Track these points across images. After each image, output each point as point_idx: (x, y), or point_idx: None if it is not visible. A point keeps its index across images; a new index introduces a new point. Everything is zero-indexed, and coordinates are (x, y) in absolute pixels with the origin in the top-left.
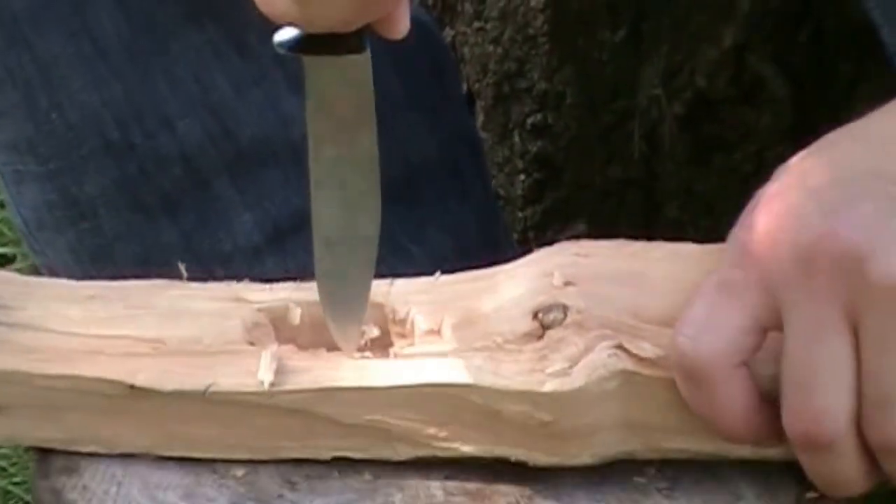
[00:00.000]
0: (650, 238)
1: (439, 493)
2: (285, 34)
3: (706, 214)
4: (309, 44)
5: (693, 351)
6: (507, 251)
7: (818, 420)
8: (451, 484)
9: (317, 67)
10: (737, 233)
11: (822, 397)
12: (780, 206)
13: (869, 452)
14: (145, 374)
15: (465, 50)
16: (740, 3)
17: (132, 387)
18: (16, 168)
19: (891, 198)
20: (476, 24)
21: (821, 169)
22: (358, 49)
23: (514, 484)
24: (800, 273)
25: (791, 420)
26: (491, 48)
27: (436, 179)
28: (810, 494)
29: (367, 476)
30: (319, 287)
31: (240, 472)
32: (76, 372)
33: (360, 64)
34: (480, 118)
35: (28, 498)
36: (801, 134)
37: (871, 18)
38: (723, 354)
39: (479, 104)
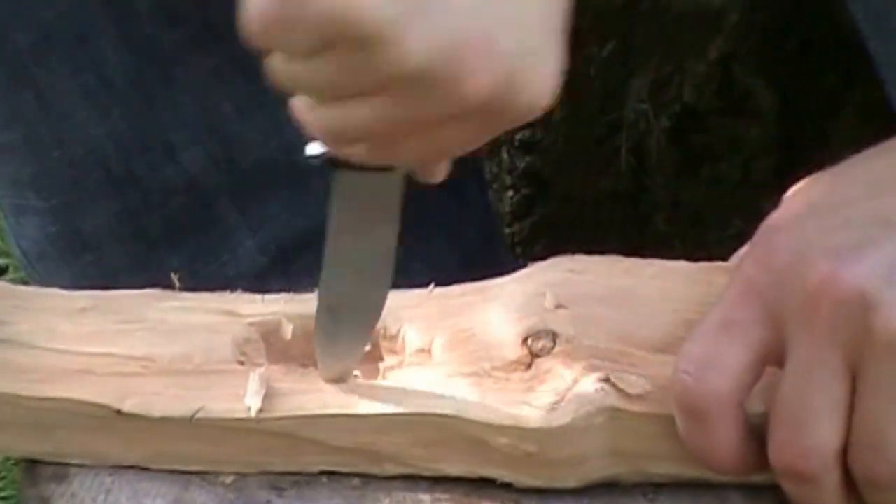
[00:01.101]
0: (640, 250)
1: (426, 498)
2: (318, 149)
3: (694, 225)
4: (342, 161)
5: (696, 388)
6: (508, 262)
7: (806, 456)
8: (438, 490)
9: (346, 177)
10: (742, 265)
11: (813, 435)
12: (786, 243)
13: (850, 485)
14: (133, 400)
15: None
16: (727, 17)
17: (119, 412)
18: (16, 202)
19: (891, 248)
20: None
21: (827, 207)
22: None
23: (501, 490)
24: (804, 314)
25: (778, 453)
26: None
27: (434, 195)
28: None
29: (355, 482)
30: (316, 335)
31: (228, 479)
32: (66, 395)
33: (392, 178)
34: None
35: None
36: (788, 145)
37: (859, 31)
38: (726, 394)
39: None
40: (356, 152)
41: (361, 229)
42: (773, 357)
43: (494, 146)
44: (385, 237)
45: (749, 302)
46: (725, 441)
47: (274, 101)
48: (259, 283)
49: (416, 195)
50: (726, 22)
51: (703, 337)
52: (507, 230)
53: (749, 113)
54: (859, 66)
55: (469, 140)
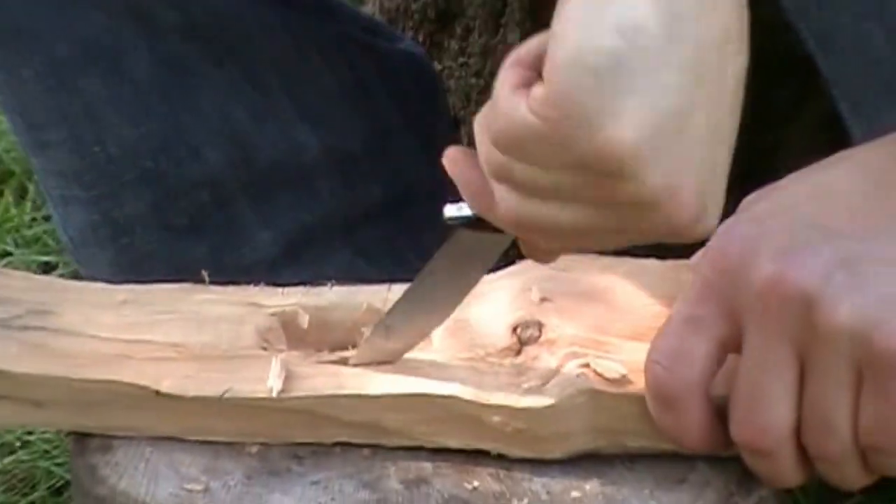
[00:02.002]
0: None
1: (428, 466)
2: (456, 211)
3: None
4: (476, 224)
5: (666, 378)
6: None
7: (763, 433)
8: (439, 459)
9: (467, 236)
10: (701, 266)
11: (768, 415)
12: (737, 247)
13: (804, 457)
14: (169, 381)
15: (451, 82)
16: None
17: (157, 392)
18: (62, 192)
19: (833, 249)
20: (461, 60)
21: (773, 213)
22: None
23: (495, 460)
24: (756, 310)
25: (739, 431)
26: (473, 80)
27: (429, 193)
28: None
29: (365, 452)
30: (369, 336)
31: (253, 449)
32: (109, 377)
33: (506, 239)
34: (464, 143)
35: (68, 477)
36: (749, 153)
37: (808, 50)
38: (692, 382)
39: (463, 130)
40: (534, 239)
41: (455, 274)
42: (732, 346)
43: None
44: (471, 282)
45: (708, 300)
46: (693, 423)
47: (283, 111)
48: (272, 270)
49: (410, 194)
50: None
51: (670, 332)
52: None
53: None
54: (815, 78)
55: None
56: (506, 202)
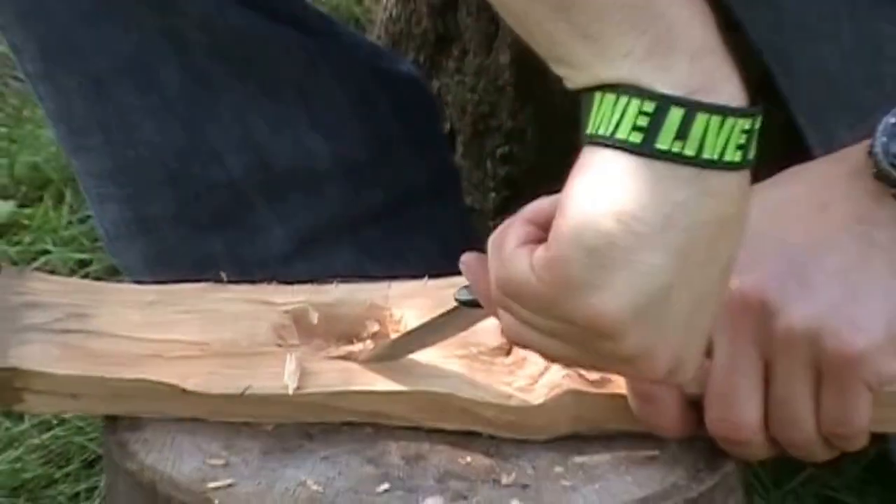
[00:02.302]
0: None
1: (426, 444)
2: (467, 295)
3: None
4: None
5: (646, 374)
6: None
7: (736, 428)
8: (436, 438)
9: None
10: (729, 301)
11: (739, 412)
12: (743, 282)
13: (773, 441)
14: (194, 379)
15: (449, 97)
16: None
17: (183, 390)
18: (99, 191)
19: (787, 261)
20: (457, 77)
21: (758, 247)
22: None
23: (486, 439)
24: (724, 320)
25: (714, 427)
26: (469, 95)
27: (424, 198)
28: None
29: (369, 430)
30: (379, 350)
31: (269, 427)
32: (140, 376)
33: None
34: (460, 150)
35: (100, 452)
36: None
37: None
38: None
39: (459, 139)
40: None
41: (448, 328)
42: (707, 351)
43: (480, 159)
44: (460, 329)
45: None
46: (670, 416)
47: (297, 122)
48: (285, 264)
49: (408, 199)
50: None
51: (730, 371)
52: (491, 223)
53: None
54: (775, 94)
55: None
56: (505, 322)
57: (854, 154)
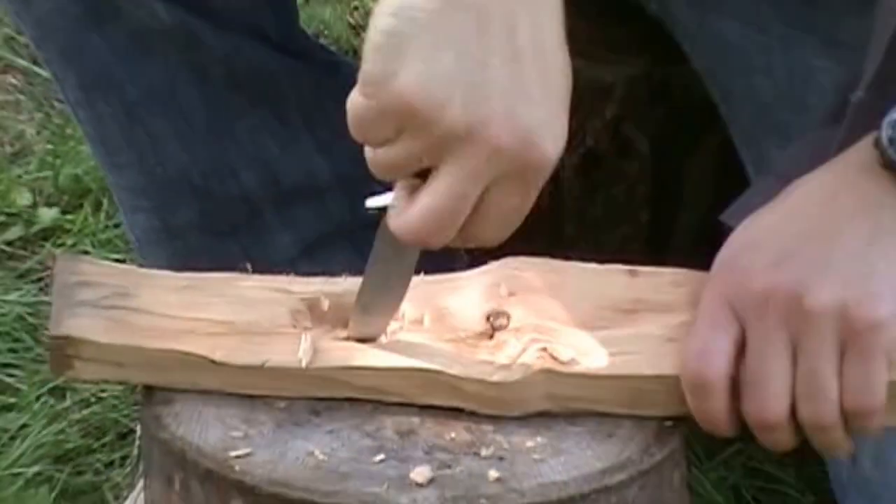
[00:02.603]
0: (556, 250)
1: (416, 420)
2: (378, 201)
3: (594, 232)
4: None
5: (699, 371)
6: (459, 258)
7: (766, 410)
8: (426, 414)
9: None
10: (713, 285)
11: (770, 394)
12: (734, 266)
13: (798, 428)
14: (221, 352)
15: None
16: (616, 90)
17: (213, 361)
18: (131, 203)
19: (806, 255)
20: None
21: (758, 240)
22: None
23: (468, 414)
24: (757, 311)
25: (749, 409)
26: None
27: None
28: (668, 423)
29: (368, 408)
30: (352, 314)
31: (282, 404)
32: (175, 347)
33: None
34: None
35: (132, 426)
36: (658, 177)
37: (713, 98)
38: (724, 375)
39: None
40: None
41: (394, 256)
42: (742, 342)
43: None
44: (409, 260)
45: (721, 308)
46: (721, 408)
47: (303, 143)
48: (292, 266)
49: None
50: (615, 93)
51: (701, 333)
52: None
53: (631, 155)
54: (714, 118)
55: (511, 202)
56: (369, 159)
57: (859, 149)
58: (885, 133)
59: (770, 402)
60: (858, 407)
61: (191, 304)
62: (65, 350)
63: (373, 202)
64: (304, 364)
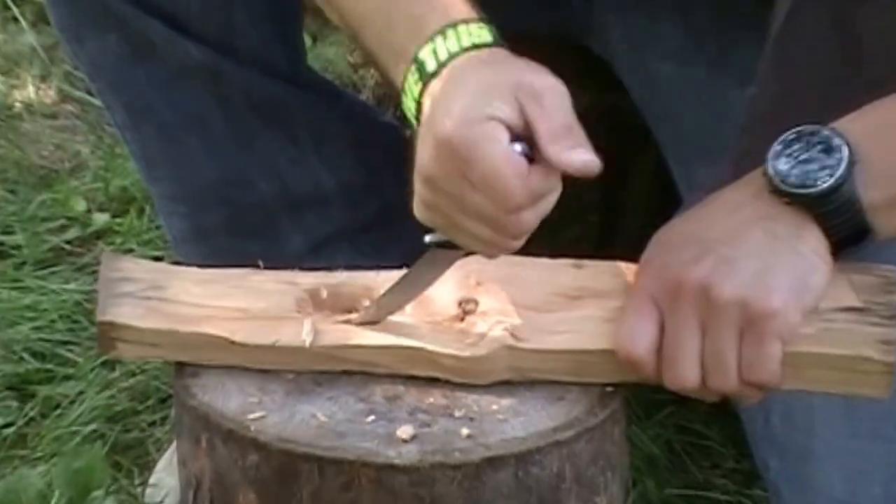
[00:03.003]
0: (524, 247)
1: (401, 387)
2: (433, 238)
3: (552, 231)
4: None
5: (634, 350)
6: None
7: (683, 383)
8: (409, 384)
9: (437, 251)
10: (640, 279)
11: (684, 369)
12: (656, 263)
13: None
14: (239, 334)
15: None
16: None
17: (232, 341)
18: (169, 209)
19: (716, 254)
20: None
21: (674, 242)
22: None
23: (443, 382)
24: (673, 300)
25: (669, 382)
26: None
27: (401, 213)
28: (609, 388)
29: (361, 378)
30: (368, 310)
31: (290, 376)
32: (201, 330)
33: (456, 255)
34: None
35: (170, 392)
36: (605, 187)
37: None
38: (648, 352)
39: None
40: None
41: (425, 274)
42: (662, 326)
43: None
44: (434, 278)
45: (647, 299)
46: (651, 376)
47: (311, 159)
48: (300, 262)
49: (392, 216)
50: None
51: (631, 318)
52: None
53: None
54: (651, 138)
55: None
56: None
57: (755, 176)
58: (770, 167)
59: (684, 374)
60: (754, 380)
61: (213, 295)
62: (109, 334)
63: (431, 238)
64: (307, 343)
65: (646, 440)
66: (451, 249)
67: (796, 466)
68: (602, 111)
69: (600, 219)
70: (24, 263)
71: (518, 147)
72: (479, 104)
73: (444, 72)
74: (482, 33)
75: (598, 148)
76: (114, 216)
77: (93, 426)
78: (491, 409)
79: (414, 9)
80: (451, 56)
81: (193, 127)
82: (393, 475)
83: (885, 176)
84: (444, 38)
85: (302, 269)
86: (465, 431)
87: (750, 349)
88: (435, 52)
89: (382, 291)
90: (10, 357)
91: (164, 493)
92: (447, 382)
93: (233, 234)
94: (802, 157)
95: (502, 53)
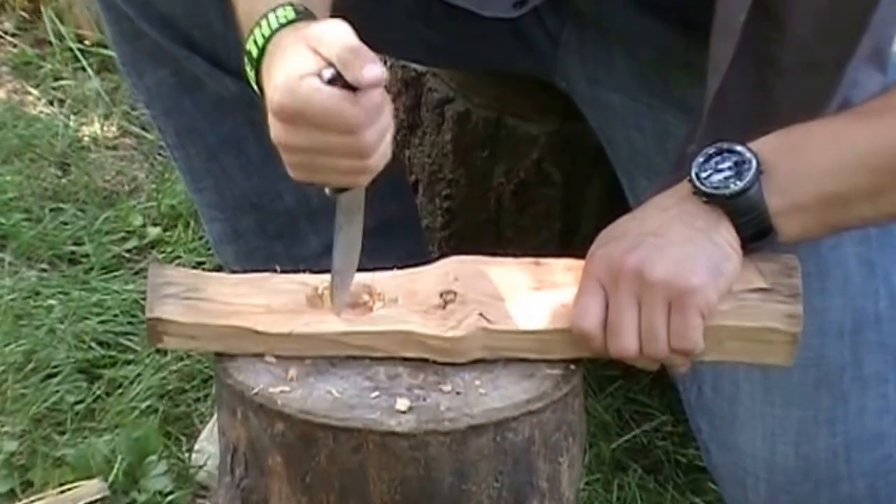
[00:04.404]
0: (496, 250)
1: (400, 368)
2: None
3: (523, 236)
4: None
5: (585, 325)
6: (428, 256)
7: (625, 350)
8: (402, 365)
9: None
10: (587, 262)
11: (625, 340)
12: (600, 253)
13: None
14: (262, 325)
15: (414, 160)
16: (539, 139)
17: (256, 331)
18: (209, 215)
19: (648, 244)
20: (419, 149)
21: (617, 235)
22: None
23: (427, 362)
24: (614, 282)
25: (613, 352)
26: (426, 159)
27: (398, 222)
28: (571, 367)
29: (367, 362)
30: (331, 286)
31: (308, 361)
32: (231, 323)
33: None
34: (420, 192)
35: (212, 373)
36: (567, 197)
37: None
38: (596, 326)
39: (420, 185)
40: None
41: (349, 229)
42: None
43: (432, 198)
44: (358, 227)
45: (594, 282)
46: (598, 348)
47: None
48: (317, 260)
49: (387, 224)
50: (539, 141)
51: (583, 299)
52: (438, 235)
53: (549, 183)
54: (605, 159)
55: None
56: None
57: (682, 185)
58: (693, 170)
59: (625, 343)
60: (680, 347)
61: (240, 294)
62: (157, 328)
63: (328, 191)
64: (318, 331)
65: (599, 409)
66: (347, 190)
67: (723, 430)
68: (566, 136)
69: (561, 226)
70: (91, 269)
71: (337, 84)
72: (289, 70)
73: (266, 56)
74: (287, 13)
75: (564, 167)
76: (164, 230)
77: (148, 402)
78: (474, 385)
79: (254, 6)
80: (266, 40)
81: (231, 147)
82: (395, 440)
83: (786, 186)
84: (259, 26)
85: (314, 269)
86: (453, 403)
87: (676, 320)
88: (255, 42)
89: (377, 287)
90: (81, 346)
91: (207, 457)
92: (436, 363)
93: (261, 236)
94: (720, 166)
95: (302, 24)
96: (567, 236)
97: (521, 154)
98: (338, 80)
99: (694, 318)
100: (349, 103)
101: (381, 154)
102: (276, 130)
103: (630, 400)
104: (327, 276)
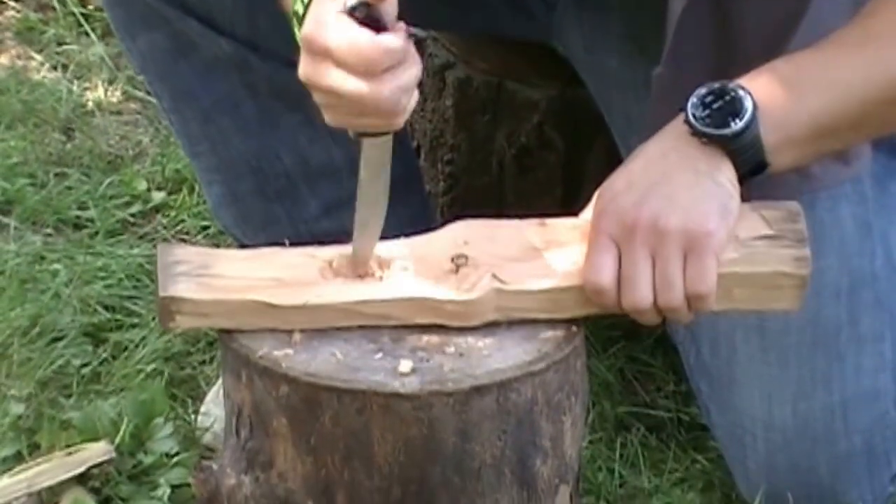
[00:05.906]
0: (499, 213)
1: (404, 330)
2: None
3: (526, 200)
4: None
5: (599, 281)
6: (434, 220)
7: (640, 302)
8: (415, 328)
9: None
10: (595, 219)
11: (640, 290)
12: (609, 208)
13: (660, 312)
14: (275, 299)
15: (416, 125)
16: (540, 103)
17: (270, 304)
18: (208, 178)
19: (658, 195)
20: (421, 114)
21: (619, 188)
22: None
23: (441, 327)
24: (627, 235)
25: (626, 305)
26: (428, 125)
27: (401, 185)
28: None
29: (371, 328)
30: (354, 233)
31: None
32: (243, 297)
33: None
34: (422, 156)
35: (215, 335)
36: (569, 162)
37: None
38: (610, 280)
39: (422, 150)
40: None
41: (374, 178)
42: (619, 258)
43: (433, 162)
44: (385, 178)
45: (604, 237)
46: (612, 303)
47: (325, 136)
48: (316, 222)
49: (395, 186)
50: (541, 106)
51: (594, 256)
52: (440, 201)
53: (551, 148)
54: (605, 123)
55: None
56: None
57: (677, 123)
58: (689, 111)
59: (640, 295)
60: (696, 292)
61: (251, 269)
62: (170, 307)
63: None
64: (332, 301)
65: (602, 369)
66: (373, 136)
67: (721, 390)
68: (567, 101)
69: (563, 191)
70: (96, 233)
71: (366, 25)
72: (324, 10)
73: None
74: None
75: (565, 132)
76: (169, 194)
77: (154, 365)
78: (477, 346)
79: None
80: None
81: (227, 109)
82: (398, 402)
83: (778, 121)
84: None
85: (321, 243)
86: (456, 365)
87: (693, 264)
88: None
89: (385, 255)
90: (87, 309)
91: (213, 419)
92: (441, 326)
93: (260, 199)
94: (716, 105)
95: None
96: (569, 201)
97: (523, 119)
98: (362, 14)
99: (710, 260)
100: (373, 39)
101: (398, 103)
102: (301, 66)
103: (633, 359)
104: (337, 248)
